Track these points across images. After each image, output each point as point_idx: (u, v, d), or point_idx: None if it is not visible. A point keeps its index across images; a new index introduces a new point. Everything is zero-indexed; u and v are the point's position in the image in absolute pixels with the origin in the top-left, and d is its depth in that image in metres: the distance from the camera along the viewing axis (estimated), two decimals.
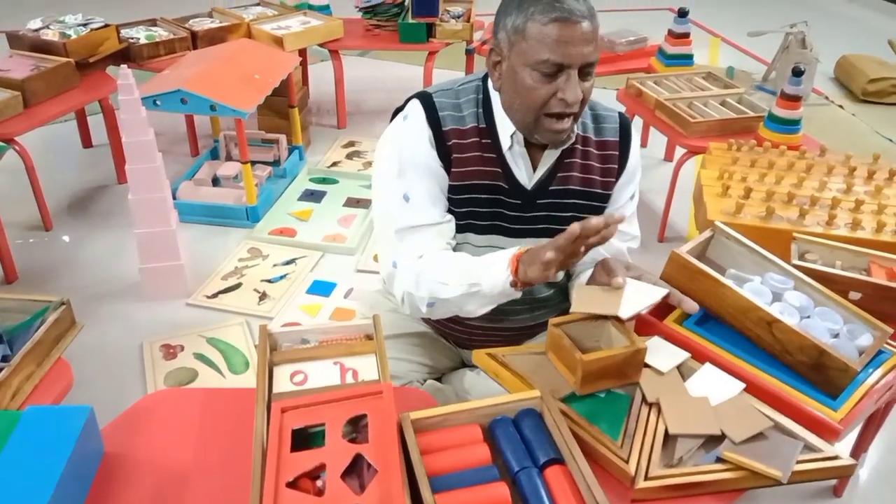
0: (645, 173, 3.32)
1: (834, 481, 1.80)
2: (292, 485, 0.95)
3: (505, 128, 1.35)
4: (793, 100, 2.45)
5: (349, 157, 3.44)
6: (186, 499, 1.05)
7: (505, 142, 1.35)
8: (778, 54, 4.26)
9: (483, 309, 1.32)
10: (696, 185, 2.00)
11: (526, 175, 1.38)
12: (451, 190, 1.37)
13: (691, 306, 1.30)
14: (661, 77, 3.00)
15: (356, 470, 0.99)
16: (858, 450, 1.74)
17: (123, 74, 2.00)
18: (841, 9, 6.33)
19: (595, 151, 1.41)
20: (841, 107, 4.30)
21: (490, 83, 1.37)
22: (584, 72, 1.24)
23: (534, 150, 1.37)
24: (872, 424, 1.73)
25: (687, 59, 3.22)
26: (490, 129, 1.36)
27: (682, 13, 3.15)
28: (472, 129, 1.36)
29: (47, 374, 1.34)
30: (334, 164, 3.36)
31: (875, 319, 1.37)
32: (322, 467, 0.98)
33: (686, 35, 3.20)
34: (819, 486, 1.81)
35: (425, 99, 1.38)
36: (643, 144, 3.66)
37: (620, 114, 1.46)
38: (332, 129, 3.75)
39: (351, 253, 2.68)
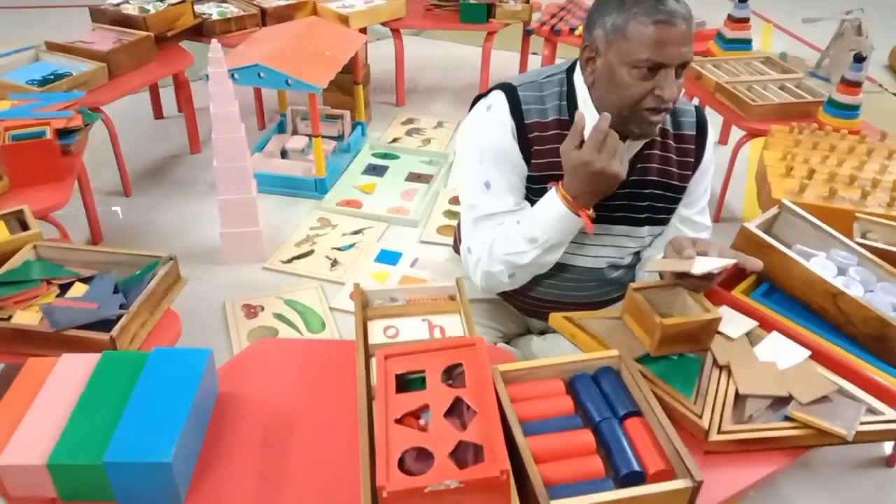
0: None
1: (888, 452, 1.86)
2: (399, 422, 1.05)
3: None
4: (853, 85, 2.46)
5: (408, 133, 3.55)
6: (294, 436, 1.14)
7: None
8: (832, 41, 4.23)
9: (560, 252, 1.42)
10: (760, 166, 2.05)
11: None
12: (530, 180, 1.43)
13: (755, 265, 1.33)
14: (720, 61, 3.04)
15: (455, 412, 1.09)
16: None
17: (214, 48, 2.12)
18: None
19: (673, 144, 1.46)
20: (895, 94, 4.27)
21: (575, 76, 1.41)
22: (679, 70, 1.29)
23: None
24: None
25: (746, 43, 3.24)
26: (572, 122, 1.40)
27: None
28: (554, 122, 1.41)
29: (159, 323, 1.46)
30: (395, 139, 3.47)
31: None
32: (425, 407, 1.07)
33: (746, 20, 3.21)
34: (872, 455, 1.88)
35: (510, 91, 1.42)
36: None
37: (697, 107, 1.50)
38: (390, 106, 3.85)
39: (414, 225, 2.79)
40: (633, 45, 1.25)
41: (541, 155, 1.41)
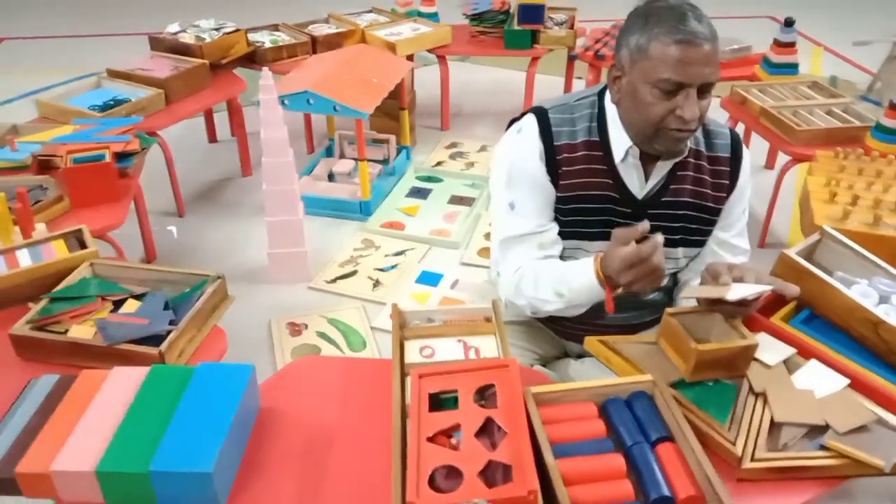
0: None
1: None
2: (431, 440, 1.07)
3: (619, 141, 1.41)
4: None
5: (452, 157, 3.61)
6: (331, 451, 1.17)
7: (618, 154, 1.41)
8: (884, 64, 4.15)
9: (582, 309, 1.45)
10: (803, 191, 2.03)
11: (638, 185, 1.44)
12: (560, 201, 1.45)
13: (793, 291, 1.32)
14: (766, 85, 3.02)
15: (486, 432, 1.10)
16: None
17: (265, 76, 2.20)
18: None
19: (707, 166, 1.47)
20: None
21: (606, 98, 1.43)
22: (703, 90, 1.29)
23: (647, 162, 1.43)
24: None
25: (792, 68, 3.21)
26: (603, 143, 1.42)
27: (789, 23, 3.14)
28: (584, 143, 1.43)
29: (206, 339, 1.51)
30: (439, 163, 3.53)
31: None
32: (457, 427, 1.09)
33: (792, 44, 3.19)
34: None
35: (541, 114, 1.45)
36: None
37: (731, 130, 1.51)
38: (435, 131, 3.91)
39: (455, 247, 2.84)
40: (654, 65, 1.27)
41: (569, 176, 1.43)
